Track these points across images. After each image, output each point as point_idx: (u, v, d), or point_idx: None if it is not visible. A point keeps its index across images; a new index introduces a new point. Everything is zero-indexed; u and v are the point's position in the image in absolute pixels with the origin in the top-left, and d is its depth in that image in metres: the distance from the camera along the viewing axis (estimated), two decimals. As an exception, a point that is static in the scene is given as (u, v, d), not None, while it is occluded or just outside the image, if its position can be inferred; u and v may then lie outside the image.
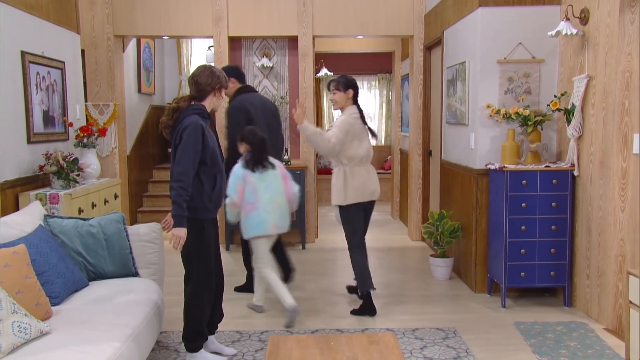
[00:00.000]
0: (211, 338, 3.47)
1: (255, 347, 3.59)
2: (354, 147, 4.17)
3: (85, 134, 4.75)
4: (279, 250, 4.49)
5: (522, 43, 4.49)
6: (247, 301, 4.44)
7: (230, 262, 5.69)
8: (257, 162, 4.02)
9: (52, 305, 2.84)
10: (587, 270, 4.12)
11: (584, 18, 4.09)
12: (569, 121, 4.21)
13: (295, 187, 4.22)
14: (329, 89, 4.36)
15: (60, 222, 3.38)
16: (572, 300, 4.32)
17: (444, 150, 5.59)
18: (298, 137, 6.61)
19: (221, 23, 6.31)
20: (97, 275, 3.39)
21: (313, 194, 6.56)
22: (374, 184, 4.29)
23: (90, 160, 4.75)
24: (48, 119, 4.50)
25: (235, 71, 4.74)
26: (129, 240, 3.51)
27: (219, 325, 3.57)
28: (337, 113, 10.79)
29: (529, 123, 4.31)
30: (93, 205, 4.47)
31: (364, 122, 4.27)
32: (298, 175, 6.26)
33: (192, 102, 3.21)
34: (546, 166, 4.23)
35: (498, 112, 4.43)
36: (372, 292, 4.22)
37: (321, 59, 9.52)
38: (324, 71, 9.55)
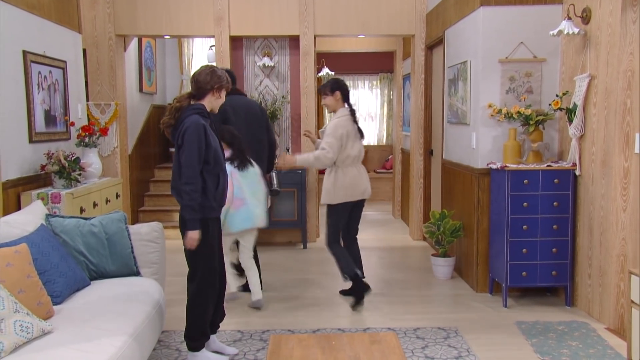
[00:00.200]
0: (213, 337, 3.47)
1: (256, 347, 3.59)
2: (348, 148, 4.29)
3: (87, 133, 4.75)
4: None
5: (523, 42, 4.48)
6: (249, 300, 4.45)
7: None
8: (242, 160, 4.14)
9: (53, 305, 2.84)
10: (589, 270, 4.12)
11: (585, 17, 4.08)
12: (570, 120, 4.20)
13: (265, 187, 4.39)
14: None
15: (61, 221, 3.38)
16: (573, 299, 4.32)
17: (446, 149, 5.59)
18: (299, 136, 6.61)
19: (222, 22, 6.31)
20: (99, 274, 3.39)
21: (314, 194, 6.56)
22: (364, 183, 4.42)
23: (91, 160, 4.76)
24: (50, 119, 4.50)
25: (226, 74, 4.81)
26: (130, 240, 3.52)
27: (220, 324, 3.57)
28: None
29: (531, 122, 4.31)
30: (95, 205, 4.48)
31: (355, 122, 4.37)
32: (299, 174, 6.27)
33: (192, 101, 3.22)
34: (548, 166, 4.22)
35: (499, 111, 4.43)
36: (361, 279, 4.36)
37: (322, 59, 9.53)
38: (325, 71, 9.55)
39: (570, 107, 4.22)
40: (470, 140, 4.76)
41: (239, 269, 4.74)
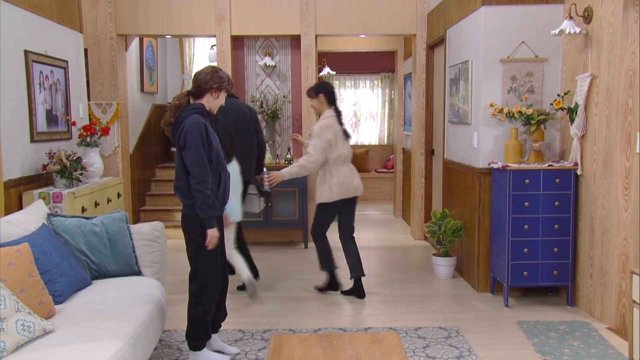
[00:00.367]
0: (214, 337, 3.47)
1: (258, 346, 3.60)
2: (338, 148, 4.46)
3: (88, 133, 4.76)
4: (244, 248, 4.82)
5: (525, 42, 4.48)
6: (247, 299, 4.45)
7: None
8: (226, 156, 4.20)
9: (55, 304, 2.84)
10: (590, 270, 4.11)
11: (587, 17, 4.08)
12: (572, 120, 4.20)
13: None
14: None
15: (63, 220, 3.38)
16: (575, 299, 4.31)
17: (447, 149, 5.58)
18: (300, 136, 6.60)
19: (224, 22, 6.31)
20: (100, 274, 3.39)
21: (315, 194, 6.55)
22: (356, 180, 4.61)
23: (93, 159, 4.76)
24: (51, 118, 4.50)
25: None
26: (131, 239, 3.52)
27: (222, 323, 3.57)
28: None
29: (532, 122, 4.31)
30: (96, 204, 4.48)
31: (341, 123, 4.54)
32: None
33: (191, 99, 3.22)
34: (549, 165, 4.22)
35: (501, 111, 4.42)
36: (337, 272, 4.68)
37: (324, 58, 9.52)
38: (326, 70, 9.55)
39: (572, 106, 4.21)
40: (471, 139, 4.76)
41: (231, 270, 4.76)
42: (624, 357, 3.37)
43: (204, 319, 3.26)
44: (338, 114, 4.53)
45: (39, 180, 4.27)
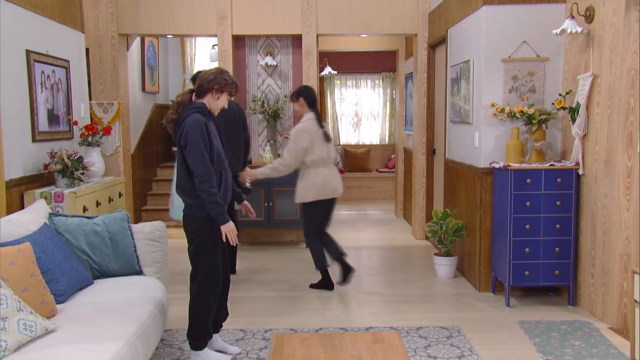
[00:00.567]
0: (215, 336, 3.47)
1: (259, 346, 3.60)
2: (316, 151, 4.60)
3: (90, 132, 4.76)
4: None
5: (526, 41, 4.48)
6: (250, 299, 4.44)
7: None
8: None
9: (57, 303, 2.84)
10: (592, 269, 4.11)
11: (589, 16, 4.07)
12: (573, 120, 4.20)
13: None
14: None
15: (65, 220, 3.39)
16: (576, 299, 4.31)
17: (448, 149, 5.58)
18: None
19: (225, 22, 6.31)
20: (102, 273, 3.40)
21: (317, 193, 6.55)
22: (335, 182, 4.72)
23: (94, 159, 4.77)
24: (53, 118, 4.51)
25: None
26: (133, 239, 3.52)
27: (223, 323, 3.57)
28: (340, 111, 10.84)
29: (534, 122, 4.30)
30: (97, 204, 4.49)
31: (321, 126, 4.68)
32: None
33: (194, 98, 3.23)
34: (551, 165, 4.21)
35: (502, 110, 4.42)
36: (329, 269, 4.80)
37: (325, 58, 9.52)
38: (327, 70, 9.55)
39: (574, 106, 4.21)
40: (472, 139, 4.75)
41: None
42: (626, 357, 3.37)
43: (205, 318, 3.26)
44: (318, 116, 4.71)
45: (40, 179, 4.27)
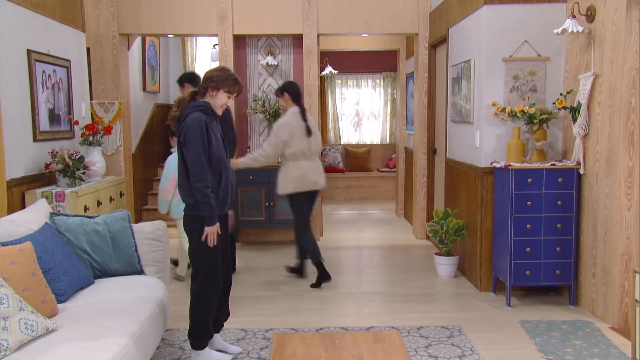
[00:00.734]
0: (216, 336, 3.47)
1: (260, 345, 3.60)
2: (296, 143, 4.76)
3: (91, 132, 4.77)
4: None
5: (527, 41, 4.47)
6: (251, 299, 4.44)
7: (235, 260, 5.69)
8: None
9: (58, 303, 2.85)
10: (593, 269, 4.11)
11: (590, 15, 4.07)
12: (574, 119, 4.19)
13: None
14: None
15: (66, 219, 3.39)
16: (577, 298, 4.31)
17: (449, 148, 5.58)
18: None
19: (226, 21, 6.31)
20: (103, 272, 3.40)
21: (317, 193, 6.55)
22: (316, 175, 4.87)
23: (95, 159, 4.77)
24: (54, 117, 4.51)
25: (189, 77, 5.38)
26: (134, 238, 3.52)
27: (224, 323, 3.57)
28: (340, 111, 10.84)
29: (535, 121, 4.30)
30: (99, 203, 4.49)
31: (305, 119, 4.82)
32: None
33: (197, 97, 3.23)
34: (552, 164, 4.21)
35: (503, 110, 4.42)
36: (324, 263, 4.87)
37: (326, 57, 9.52)
38: (328, 69, 9.54)
39: (575, 105, 4.20)
40: (473, 139, 4.75)
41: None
42: (627, 357, 3.36)
43: (205, 318, 3.26)
44: (302, 110, 4.87)
45: (41, 179, 4.28)
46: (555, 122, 4.50)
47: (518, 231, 4.21)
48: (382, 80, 10.66)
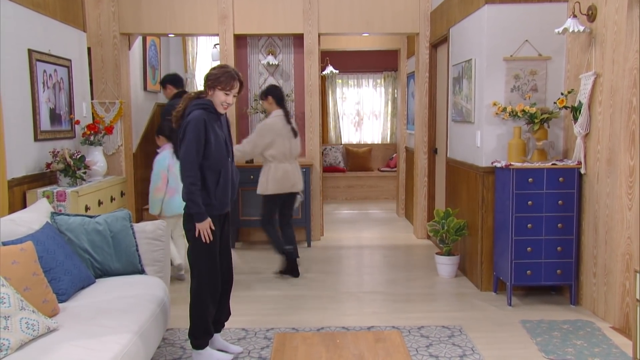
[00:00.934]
0: (216, 336, 3.47)
1: (261, 345, 3.60)
2: (277, 145, 4.92)
3: (92, 131, 4.77)
4: None
5: (528, 40, 4.47)
6: (252, 299, 4.44)
7: (236, 260, 5.70)
8: (177, 152, 4.38)
9: (59, 302, 2.85)
10: (594, 269, 4.11)
11: (591, 15, 4.06)
12: (575, 119, 4.19)
13: None
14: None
15: (67, 219, 3.39)
16: (578, 298, 4.30)
17: (450, 148, 5.57)
18: (303, 134, 6.61)
19: (227, 21, 6.31)
20: (104, 272, 3.40)
21: (318, 192, 6.55)
22: (295, 178, 5.05)
23: (96, 158, 4.77)
24: (55, 117, 4.51)
25: (171, 78, 5.63)
26: (135, 238, 3.52)
27: (225, 323, 3.57)
28: (341, 111, 10.84)
29: (536, 121, 4.29)
30: (99, 203, 4.49)
31: (289, 122, 5.00)
32: (304, 172, 6.25)
33: (200, 96, 3.23)
34: (553, 164, 4.21)
35: (504, 109, 4.41)
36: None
37: (326, 57, 9.51)
38: (329, 69, 9.54)
39: (576, 105, 4.20)
40: (474, 138, 4.75)
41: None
42: (628, 356, 3.36)
43: (204, 317, 3.25)
44: (286, 113, 5.03)
45: (42, 178, 4.28)
46: (556, 121, 4.50)
47: (519, 231, 4.21)
48: (382, 80, 10.66)
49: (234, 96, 3.21)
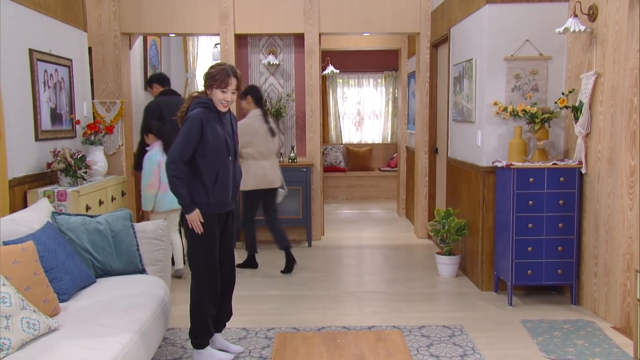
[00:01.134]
0: (217, 335, 3.46)
1: (261, 344, 3.60)
2: (254, 144, 5.07)
3: (93, 131, 4.77)
4: None
5: (529, 40, 4.47)
6: (253, 298, 4.44)
7: (237, 259, 5.69)
8: (167, 150, 4.42)
9: (60, 302, 2.85)
10: (595, 269, 4.10)
11: (592, 14, 4.06)
12: (576, 119, 4.19)
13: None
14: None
15: (67, 219, 3.39)
16: (579, 298, 4.30)
17: (451, 147, 5.57)
18: (304, 134, 6.61)
19: (227, 20, 6.31)
20: (104, 272, 3.40)
21: (319, 192, 6.55)
22: (273, 175, 5.20)
23: (97, 158, 4.78)
24: (55, 117, 4.52)
25: (157, 77, 5.74)
26: (136, 237, 3.52)
27: (226, 323, 3.57)
28: (342, 110, 10.83)
29: (536, 120, 4.29)
30: (100, 203, 4.49)
31: (267, 122, 5.14)
32: (304, 172, 6.26)
33: (203, 95, 3.23)
34: (553, 164, 4.21)
35: (505, 109, 4.41)
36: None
37: (327, 57, 9.51)
38: (330, 69, 9.54)
39: (577, 105, 4.20)
40: (475, 138, 4.75)
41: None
42: (629, 356, 3.36)
43: (203, 317, 3.25)
44: (264, 113, 5.18)
45: (43, 178, 4.28)
46: (557, 121, 4.50)
47: (520, 230, 4.21)
48: (383, 80, 10.65)
49: (233, 93, 3.18)
